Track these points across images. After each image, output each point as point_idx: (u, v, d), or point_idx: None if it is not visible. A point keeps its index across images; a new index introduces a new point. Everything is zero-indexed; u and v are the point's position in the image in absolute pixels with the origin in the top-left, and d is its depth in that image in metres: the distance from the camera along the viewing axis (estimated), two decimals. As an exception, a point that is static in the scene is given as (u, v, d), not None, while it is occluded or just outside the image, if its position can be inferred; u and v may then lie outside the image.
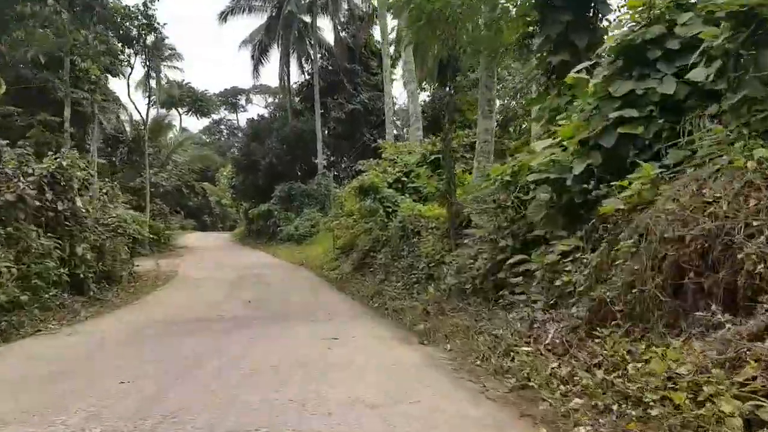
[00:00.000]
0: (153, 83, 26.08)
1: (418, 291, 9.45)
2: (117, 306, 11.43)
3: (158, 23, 26.60)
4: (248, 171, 38.76)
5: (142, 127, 28.81)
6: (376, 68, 39.78)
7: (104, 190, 17.77)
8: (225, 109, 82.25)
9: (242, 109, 79.95)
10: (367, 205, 13.32)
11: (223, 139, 77.11)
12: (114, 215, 15.18)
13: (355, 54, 38.59)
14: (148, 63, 27.16)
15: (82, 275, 11.40)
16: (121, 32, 27.96)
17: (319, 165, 35.03)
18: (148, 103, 28.39)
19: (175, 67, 67.30)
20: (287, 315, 9.80)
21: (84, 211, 12.17)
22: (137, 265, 17.70)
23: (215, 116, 73.45)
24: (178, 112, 66.85)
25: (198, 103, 66.75)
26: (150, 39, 26.97)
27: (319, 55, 38.03)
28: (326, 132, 36.48)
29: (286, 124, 36.77)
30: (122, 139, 30.33)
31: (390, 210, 13.46)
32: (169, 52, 66.25)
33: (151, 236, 28.02)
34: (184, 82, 67.33)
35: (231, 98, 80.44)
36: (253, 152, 37.13)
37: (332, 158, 39.41)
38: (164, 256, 27.68)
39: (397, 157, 15.70)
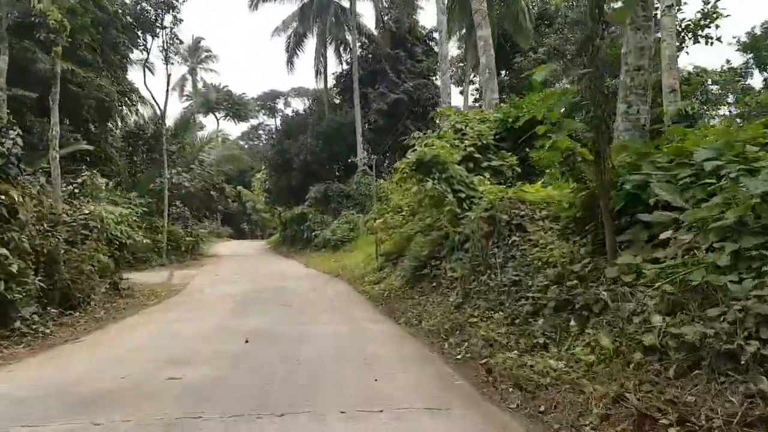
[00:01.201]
0: (170, 69, 22.92)
1: (552, 333, 4.87)
2: (32, 349, 7.41)
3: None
4: (281, 171, 35.19)
5: (160, 120, 25.46)
6: (421, 55, 35.59)
7: (80, 180, 14.17)
8: (264, 114, 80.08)
9: (280, 113, 77.56)
10: (429, 190, 8.91)
11: (261, 144, 74.63)
12: (86, 212, 11.39)
13: (399, 39, 34.50)
14: (165, 47, 23.87)
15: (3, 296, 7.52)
16: (139, 16, 24.99)
17: (358, 162, 30.98)
18: (167, 91, 25.07)
19: (211, 70, 66.08)
20: (299, 381, 5.41)
21: (22, 202, 8.33)
22: (126, 278, 13.96)
23: (253, 121, 70.98)
24: (215, 117, 64.79)
25: (235, 107, 64.34)
26: (168, 19, 23.67)
27: (358, 43, 34.18)
28: (366, 126, 32.45)
29: (323, 118, 33.01)
30: (143, 135, 27.22)
31: (464, 196, 9.10)
32: (206, 54, 64.98)
33: (170, 243, 24.63)
34: (221, 86, 65.36)
35: (269, 102, 78.12)
36: (287, 150, 33.53)
37: (373, 156, 35.27)
38: (184, 266, 24.24)
39: (466, 126, 11.37)
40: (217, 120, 64.83)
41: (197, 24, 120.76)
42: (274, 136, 34.94)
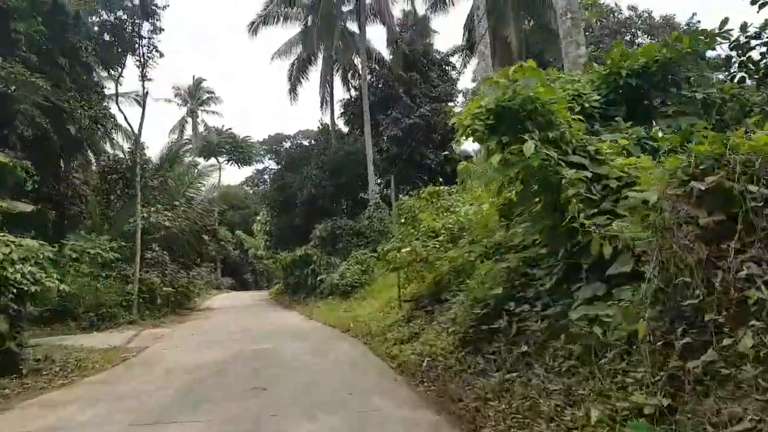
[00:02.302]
0: (147, 86, 19.47)
1: None
2: None
3: (155, 5, 19.93)
4: (283, 210, 31.05)
5: (134, 147, 21.62)
6: (437, 79, 32.08)
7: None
8: (269, 158, 76.71)
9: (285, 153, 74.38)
10: (531, 157, 4.39)
11: (266, 188, 71.20)
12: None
13: (413, 62, 31.10)
14: (143, 60, 20.36)
15: None
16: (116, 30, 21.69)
17: (370, 194, 26.82)
18: (143, 113, 21.37)
19: (213, 112, 63.48)
20: None
21: None
22: (27, 346, 9.45)
23: (258, 166, 67.74)
24: (218, 161, 61.65)
25: (239, 151, 61.19)
26: (146, 28, 20.26)
27: (368, 69, 30.80)
28: (378, 156, 28.47)
29: (328, 147, 29.14)
30: (119, 169, 23.41)
31: (589, 175, 4.57)
32: (207, 95, 62.64)
33: (143, 295, 20.18)
34: (223, 128, 62.62)
35: (274, 146, 75.19)
36: (289, 185, 29.49)
37: (386, 190, 31.04)
38: (159, 323, 19.72)
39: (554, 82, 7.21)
40: (220, 164, 61.61)
41: (198, 64, 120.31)
42: (275, 172, 31.20)
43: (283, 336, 13.61)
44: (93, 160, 25.53)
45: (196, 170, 27.81)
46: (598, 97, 6.69)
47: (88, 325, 18.13)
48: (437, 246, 9.59)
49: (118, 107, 23.03)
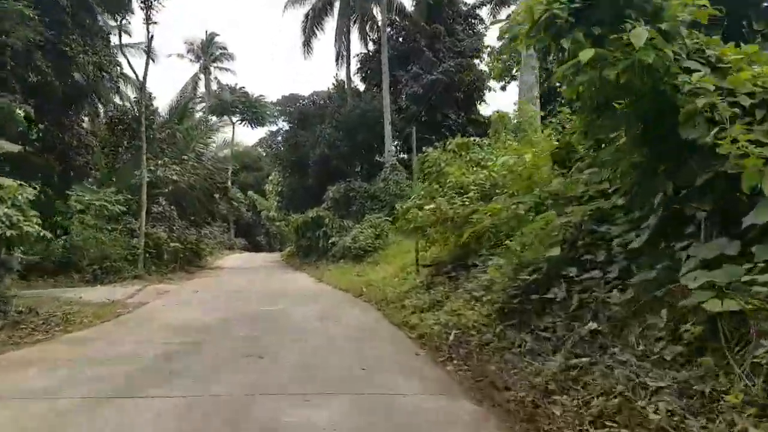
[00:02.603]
0: (152, 29, 18.12)
1: None
2: None
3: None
4: (295, 170, 29.86)
5: (138, 98, 20.40)
6: (461, 33, 30.08)
7: None
8: (283, 119, 75.12)
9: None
10: (640, 51, 3.09)
11: (279, 148, 69.94)
12: None
13: (437, 13, 29.11)
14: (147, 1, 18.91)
15: None
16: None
17: (386, 155, 25.47)
18: (147, 56, 20.08)
19: (226, 69, 61.73)
20: None
21: None
22: (8, 296, 8.51)
23: (272, 127, 66.27)
24: (231, 121, 60.29)
25: (252, 110, 59.63)
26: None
27: (388, 20, 28.88)
28: (396, 115, 26.90)
29: (344, 105, 27.63)
30: (125, 119, 22.27)
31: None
32: (220, 51, 60.82)
33: (149, 250, 19.33)
34: (237, 86, 60.97)
35: (289, 106, 73.44)
36: (301, 143, 28.17)
37: (402, 154, 29.59)
38: (166, 279, 18.93)
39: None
40: (233, 124, 60.28)
41: (211, 19, 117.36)
42: (287, 130, 29.78)
43: (291, 298, 12.62)
44: (102, 111, 24.41)
45: (206, 125, 26.53)
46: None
47: (91, 278, 17.41)
48: (465, 203, 8.32)
49: (123, 54, 21.71)
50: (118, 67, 22.92)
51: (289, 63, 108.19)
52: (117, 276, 17.85)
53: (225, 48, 58.21)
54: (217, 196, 28.61)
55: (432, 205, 8.51)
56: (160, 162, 22.02)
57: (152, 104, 22.17)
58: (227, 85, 60.08)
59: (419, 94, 26.75)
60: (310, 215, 24.95)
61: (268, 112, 63.71)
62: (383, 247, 21.13)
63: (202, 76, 57.55)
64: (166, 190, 22.07)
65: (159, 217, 20.37)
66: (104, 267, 17.78)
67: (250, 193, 45.94)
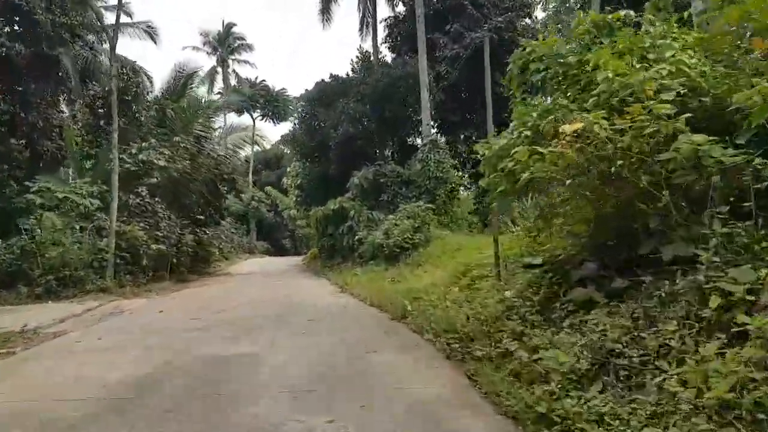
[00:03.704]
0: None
1: None
2: None
3: None
4: (314, 156, 25.30)
5: (110, 59, 16.06)
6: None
7: None
8: (300, 105, 70.62)
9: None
10: None
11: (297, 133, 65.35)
12: None
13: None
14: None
15: None
16: None
17: (424, 128, 20.64)
18: (119, 8, 15.78)
19: (245, 62, 57.86)
20: None
21: None
22: None
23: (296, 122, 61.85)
24: (251, 116, 56.43)
25: (274, 105, 55.56)
26: None
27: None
28: (435, 85, 21.97)
29: (370, 75, 22.88)
30: (102, 93, 18.11)
31: None
32: (238, 42, 56.98)
33: (123, 254, 15.02)
34: (257, 80, 57.13)
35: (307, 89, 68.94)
36: (319, 123, 23.56)
37: (441, 133, 24.62)
38: (144, 291, 14.65)
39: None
40: (253, 120, 56.42)
41: (229, 11, 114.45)
42: (303, 109, 25.23)
43: (293, 323, 7.92)
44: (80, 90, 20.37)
45: (208, 103, 22.12)
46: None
47: (43, 292, 13.21)
48: (645, 122, 3.49)
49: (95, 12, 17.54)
50: (97, 30, 18.82)
51: (311, 56, 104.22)
52: (78, 288, 13.62)
53: (243, 38, 54.45)
54: (223, 188, 24.32)
55: (576, 125, 3.67)
56: (144, 144, 17.73)
57: (133, 76, 17.89)
58: (247, 78, 56.33)
59: (461, 56, 21.79)
60: (332, 207, 20.31)
61: (290, 107, 59.34)
62: (424, 243, 16.31)
63: (219, 69, 53.89)
64: (154, 179, 17.75)
65: (138, 212, 16.00)
66: (61, 277, 13.56)
67: (268, 188, 41.76)
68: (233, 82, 55.34)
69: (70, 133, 17.49)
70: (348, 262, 19.54)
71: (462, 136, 21.69)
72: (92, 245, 14.63)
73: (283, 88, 57.34)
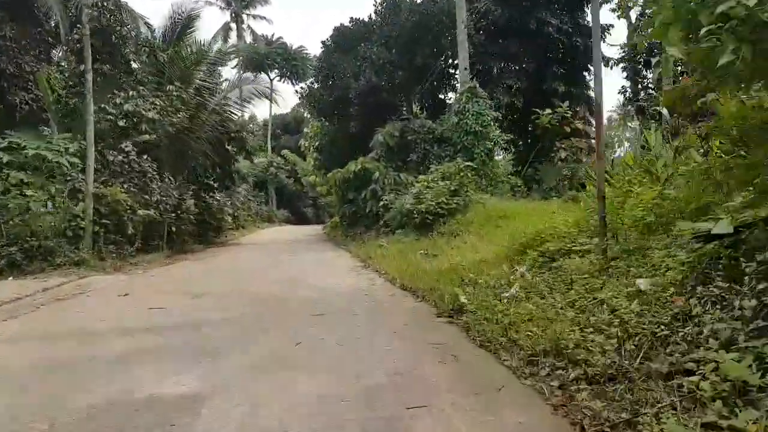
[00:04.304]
0: None
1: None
2: None
3: None
4: (332, 111, 22.40)
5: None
6: None
7: None
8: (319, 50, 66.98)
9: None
10: None
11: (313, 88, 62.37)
12: None
13: None
14: None
15: None
16: None
17: (460, 75, 17.50)
18: None
19: (261, 17, 54.40)
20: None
21: None
22: None
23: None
24: (268, 76, 53.39)
25: (291, 64, 52.27)
26: None
27: None
28: (472, 24, 18.61)
29: (397, 15, 19.60)
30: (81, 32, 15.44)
31: None
32: (252, -7, 53.43)
33: (105, 221, 12.61)
34: (273, 37, 53.90)
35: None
36: (338, 72, 20.57)
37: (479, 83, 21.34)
38: (130, 265, 12.30)
39: None
40: (270, 80, 53.38)
41: None
42: (319, 57, 22.17)
43: (287, 324, 5.25)
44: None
45: (206, 47, 19.25)
46: None
47: (5, 266, 10.94)
48: None
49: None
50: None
51: (331, 11, 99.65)
52: (47, 262, 11.30)
53: (257, -11, 50.86)
54: (231, 148, 21.74)
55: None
56: (132, 93, 15.12)
57: (116, 12, 15.11)
58: (262, 35, 53.04)
59: (505, -12, 18.36)
60: (353, 168, 17.52)
61: (309, 66, 55.98)
62: (463, 209, 13.49)
63: (233, 25, 50.75)
64: (146, 135, 15.17)
65: (122, 172, 13.48)
66: (27, 248, 11.24)
67: (285, 152, 39.12)
68: (249, 39, 52.21)
69: (43, 81, 14.94)
70: (372, 231, 16.88)
71: (504, 86, 18.44)
72: (65, 211, 12.24)
73: (302, 46, 53.86)
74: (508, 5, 18.61)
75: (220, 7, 50.12)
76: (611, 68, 20.76)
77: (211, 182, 22.35)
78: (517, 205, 14.14)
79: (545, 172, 17.08)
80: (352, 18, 22.17)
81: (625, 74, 21.66)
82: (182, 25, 19.73)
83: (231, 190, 26.50)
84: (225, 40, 49.63)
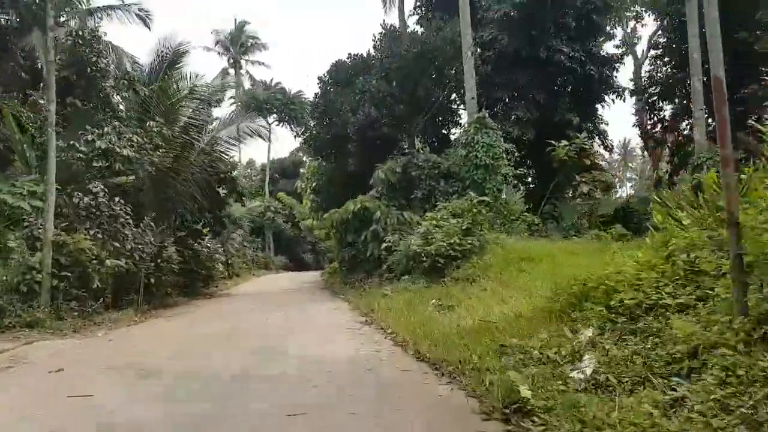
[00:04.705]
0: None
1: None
2: None
3: None
4: (329, 149, 21.07)
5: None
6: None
7: None
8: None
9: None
10: None
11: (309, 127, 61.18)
12: None
13: None
14: None
15: None
16: None
17: (468, 103, 16.17)
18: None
19: (259, 63, 54.06)
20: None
21: None
22: None
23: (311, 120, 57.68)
24: (267, 121, 52.66)
25: (290, 108, 51.57)
26: None
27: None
28: (479, 53, 17.44)
29: (397, 47, 18.49)
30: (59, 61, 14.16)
31: None
32: (251, 41, 53.34)
33: (64, 272, 10.83)
34: (272, 82, 53.55)
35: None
36: (335, 107, 19.33)
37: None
38: (92, 325, 10.46)
39: None
40: (269, 124, 52.62)
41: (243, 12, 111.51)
42: (316, 95, 20.99)
43: (251, 422, 3.44)
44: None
45: (198, 82, 17.85)
46: None
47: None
48: None
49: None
50: None
51: (329, 55, 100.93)
52: (-11, 324, 9.49)
53: (257, 38, 50.82)
54: (219, 188, 20.19)
55: None
56: (107, 129, 13.66)
57: (93, 41, 13.88)
58: (261, 80, 52.62)
59: (510, 17, 17.30)
60: (352, 208, 15.89)
61: (308, 111, 55.19)
62: (478, 250, 11.77)
63: (231, 70, 50.44)
64: (124, 177, 13.62)
65: (88, 216, 11.80)
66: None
67: (281, 194, 37.65)
68: (247, 84, 51.83)
69: (9, 117, 13.50)
70: (374, 277, 15.09)
71: (512, 118, 17.12)
72: (20, 262, 10.51)
73: (300, 91, 53.40)
74: (515, 34, 17.51)
75: (219, 53, 50.02)
76: (623, 100, 19.56)
77: (200, 227, 20.73)
78: (538, 245, 12.45)
79: (564, 209, 15.47)
80: (350, 54, 21.12)
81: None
82: (169, 61, 18.59)
83: (224, 235, 24.81)
84: (222, 85, 49.25)
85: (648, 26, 24.49)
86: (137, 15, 21.59)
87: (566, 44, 17.55)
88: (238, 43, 49.57)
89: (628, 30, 27.48)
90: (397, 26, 22.01)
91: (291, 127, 54.45)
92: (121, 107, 15.90)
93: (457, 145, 15.96)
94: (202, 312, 13.49)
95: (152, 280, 14.30)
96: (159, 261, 14.88)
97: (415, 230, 13.25)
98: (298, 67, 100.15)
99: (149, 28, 20.80)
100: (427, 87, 17.66)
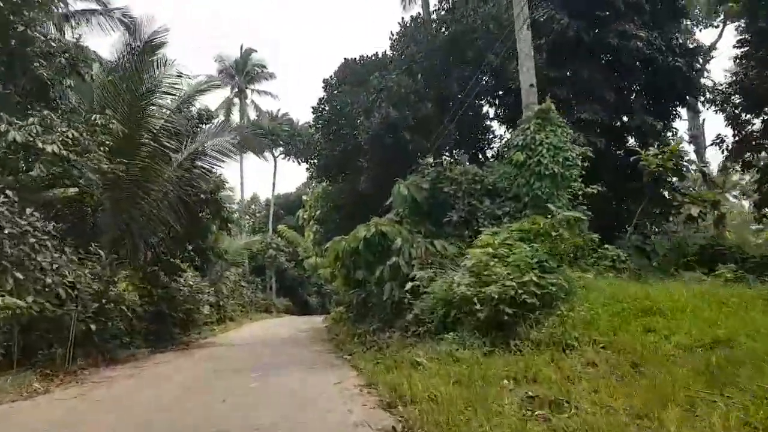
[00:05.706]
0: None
1: None
2: None
3: None
4: (335, 165, 17.10)
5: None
6: None
7: None
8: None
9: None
10: None
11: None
12: None
13: None
14: None
15: None
16: None
17: (524, 96, 12.09)
18: None
19: (265, 92, 50.95)
20: None
21: None
22: None
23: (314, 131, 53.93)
24: (272, 154, 49.37)
25: (297, 140, 48.19)
26: None
27: None
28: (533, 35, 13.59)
29: (418, 36, 14.72)
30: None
31: None
32: (258, 70, 50.46)
33: None
34: (278, 113, 50.56)
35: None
36: (343, 112, 15.45)
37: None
38: None
39: None
40: (275, 158, 49.35)
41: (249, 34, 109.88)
42: (321, 99, 17.32)
43: None
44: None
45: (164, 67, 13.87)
46: None
47: None
48: None
49: None
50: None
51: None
52: None
53: (264, 66, 47.90)
54: (204, 214, 16.25)
55: None
56: (31, 120, 9.76)
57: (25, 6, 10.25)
58: (267, 111, 49.52)
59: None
60: (363, 233, 11.62)
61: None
62: (566, 295, 7.44)
63: (236, 100, 47.33)
64: (61, 190, 9.60)
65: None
66: None
67: (281, 227, 33.60)
68: (252, 115, 48.71)
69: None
70: (393, 329, 10.66)
71: (575, 121, 13.08)
72: None
73: (308, 122, 50.13)
74: (578, 15, 13.67)
75: (222, 81, 47.09)
76: (714, 104, 15.45)
77: (178, 261, 16.74)
78: (654, 290, 8.08)
79: (660, 240, 11.16)
80: (362, 55, 17.42)
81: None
82: (138, 52, 14.86)
83: (214, 273, 20.64)
84: (227, 115, 46.04)
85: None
86: (120, 21, 18.53)
87: (643, 29, 13.66)
88: (243, 72, 46.74)
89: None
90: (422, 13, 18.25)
91: (298, 162, 51.04)
92: (72, 100, 12.12)
93: (510, 146, 11.81)
94: (148, 375, 9.14)
95: (92, 327, 10.08)
96: (104, 302, 10.76)
97: (458, 264, 8.97)
98: (305, 98, 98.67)
99: (134, 36, 17.39)
100: (461, 79, 13.73)
